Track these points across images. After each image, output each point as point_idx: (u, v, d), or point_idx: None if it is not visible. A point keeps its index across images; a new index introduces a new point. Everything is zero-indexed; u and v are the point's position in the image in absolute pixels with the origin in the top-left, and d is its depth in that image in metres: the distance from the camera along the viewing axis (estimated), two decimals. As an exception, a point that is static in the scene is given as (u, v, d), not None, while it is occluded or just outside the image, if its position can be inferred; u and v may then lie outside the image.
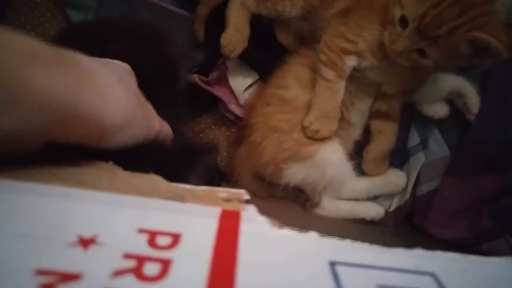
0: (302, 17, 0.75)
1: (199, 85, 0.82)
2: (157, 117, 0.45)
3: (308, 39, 0.79)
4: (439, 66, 0.63)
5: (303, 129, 0.74)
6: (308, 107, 0.73)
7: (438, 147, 0.80)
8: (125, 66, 0.46)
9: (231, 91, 0.84)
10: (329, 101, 0.72)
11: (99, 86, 0.33)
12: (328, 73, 0.70)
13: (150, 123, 0.42)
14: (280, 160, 0.74)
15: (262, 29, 0.81)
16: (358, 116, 0.77)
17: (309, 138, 0.73)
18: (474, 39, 0.56)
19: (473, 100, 0.76)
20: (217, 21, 0.79)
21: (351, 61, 0.70)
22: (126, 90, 0.38)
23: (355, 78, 0.73)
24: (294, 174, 0.75)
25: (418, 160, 0.79)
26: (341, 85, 0.71)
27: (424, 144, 0.80)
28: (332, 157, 0.74)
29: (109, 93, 0.34)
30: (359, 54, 0.69)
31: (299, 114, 0.74)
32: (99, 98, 0.32)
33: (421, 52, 0.61)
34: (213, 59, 0.84)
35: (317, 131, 0.73)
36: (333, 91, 0.71)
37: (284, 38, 0.81)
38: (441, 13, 0.57)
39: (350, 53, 0.69)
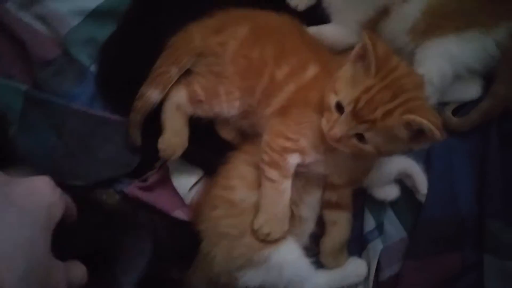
0: (241, 115, 0.73)
1: (138, 199, 0.76)
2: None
3: (250, 134, 0.77)
4: (381, 152, 0.63)
5: (254, 232, 0.70)
6: (257, 208, 0.70)
7: (395, 229, 0.78)
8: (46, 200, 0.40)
9: (175, 193, 0.79)
10: (277, 202, 0.68)
11: None
12: (272, 173, 0.67)
13: None
14: (233, 269, 0.69)
15: (202, 126, 0.78)
16: (309, 210, 0.74)
17: (261, 241, 0.70)
18: (408, 121, 0.58)
19: (420, 180, 0.75)
20: (153, 123, 0.76)
21: (294, 159, 0.68)
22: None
23: (301, 174, 0.71)
24: (250, 280, 0.69)
25: (377, 246, 0.76)
26: (287, 185, 0.68)
27: (380, 228, 0.78)
28: (288, 257, 0.70)
29: None
30: (301, 152, 0.68)
31: (248, 217, 0.70)
32: None
33: (360, 137, 0.61)
34: (151, 162, 0.79)
35: (269, 234, 0.68)
36: (279, 192, 0.68)
37: (226, 133, 0.78)
38: (374, 97, 0.58)
39: (292, 151, 0.67)
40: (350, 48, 0.81)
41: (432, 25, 0.75)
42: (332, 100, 0.62)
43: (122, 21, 0.79)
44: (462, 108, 0.80)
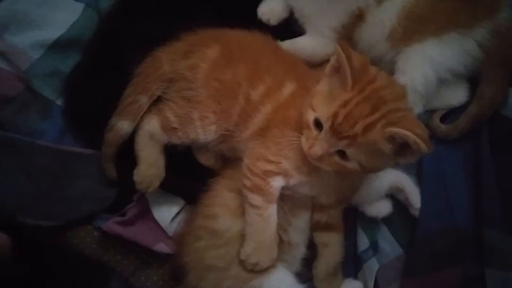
0: (218, 140, 0.69)
1: (117, 235, 0.72)
2: None
3: (230, 157, 0.73)
4: (365, 168, 0.59)
5: (241, 263, 0.65)
6: (243, 236, 0.66)
7: (390, 246, 0.74)
8: None
9: (156, 225, 0.75)
10: (262, 229, 0.64)
11: None
12: (255, 199, 0.63)
13: None
14: (222, 304, 0.65)
15: (179, 152, 0.74)
16: (298, 234, 0.70)
17: (250, 271, 0.66)
18: (391, 134, 0.54)
19: (413, 193, 0.72)
20: (128, 154, 0.72)
21: (277, 183, 0.64)
22: None
23: (287, 197, 0.67)
24: (242, 314, 0.66)
25: (372, 266, 0.73)
26: (272, 210, 0.64)
27: (374, 246, 0.74)
28: (280, 286, 0.66)
29: None
30: (284, 174, 0.64)
31: (234, 246, 0.66)
32: None
33: (343, 154, 0.58)
34: (129, 195, 0.75)
35: (257, 264, 0.64)
36: (264, 218, 0.64)
37: (205, 159, 0.74)
38: (352, 111, 0.55)
39: (275, 174, 0.64)
40: (329, 59, 0.81)
41: (410, 30, 0.73)
42: (310, 116, 0.59)
43: (86, 50, 0.76)
44: (450, 114, 0.77)
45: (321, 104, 0.58)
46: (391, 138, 0.54)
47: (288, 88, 0.66)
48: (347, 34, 0.77)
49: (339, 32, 0.76)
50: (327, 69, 0.59)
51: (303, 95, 0.64)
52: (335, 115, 0.55)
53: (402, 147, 0.55)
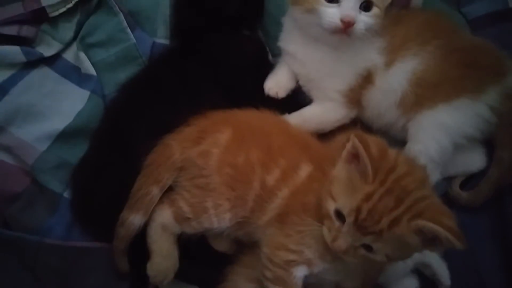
0: (234, 227, 0.66)
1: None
2: None
3: (246, 242, 0.70)
4: (393, 259, 0.55)
5: None
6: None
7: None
8: None
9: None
10: (287, 322, 0.60)
11: None
12: (277, 292, 0.60)
13: None
14: None
15: (193, 239, 0.71)
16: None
17: None
18: (419, 228, 0.51)
19: (441, 270, 0.68)
20: (139, 244, 0.69)
21: (301, 272, 0.60)
22: None
23: (311, 284, 0.64)
24: None
25: None
26: (296, 301, 0.61)
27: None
28: None
29: None
30: (307, 263, 0.60)
31: None
32: None
33: (368, 247, 0.54)
34: (143, 286, 0.71)
35: None
36: (289, 310, 0.60)
37: (220, 245, 0.71)
38: (376, 206, 0.51)
39: (297, 263, 0.60)
40: (339, 124, 0.79)
41: (421, 97, 0.72)
42: (331, 206, 0.56)
43: (94, 139, 0.74)
44: (470, 180, 0.75)
45: (341, 194, 0.55)
46: (419, 231, 0.51)
47: (304, 170, 0.64)
48: (356, 98, 0.76)
49: (347, 95, 0.75)
50: (344, 155, 0.56)
51: (320, 178, 0.61)
52: (358, 210, 0.52)
53: (432, 238, 0.51)
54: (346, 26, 0.66)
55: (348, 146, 0.56)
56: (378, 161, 0.53)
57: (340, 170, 0.58)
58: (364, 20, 0.68)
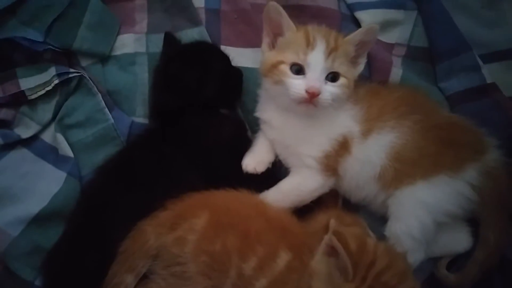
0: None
1: None
2: None
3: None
4: None
5: None
6: None
7: None
8: None
9: None
10: None
11: None
12: None
13: None
14: None
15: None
16: None
17: None
18: None
19: None
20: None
21: None
22: None
23: None
24: None
25: None
26: None
27: None
28: None
29: None
30: None
31: None
32: None
33: None
34: None
35: None
36: None
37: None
38: None
39: None
40: (318, 194, 0.76)
41: (401, 172, 0.71)
42: None
43: (68, 225, 0.71)
44: (456, 261, 0.73)
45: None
46: None
47: (283, 259, 0.61)
48: (332, 165, 0.75)
49: (322, 162, 0.74)
50: (321, 248, 0.55)
51: (299, 268, 0.59)
52: None
53: None
54: (311, 97, 0.68)
55: (326, 239, 0.55)
56: (357, 256, 0.52)
57: (319, 263, 0.56)
58: (330, 90, 0.70)
